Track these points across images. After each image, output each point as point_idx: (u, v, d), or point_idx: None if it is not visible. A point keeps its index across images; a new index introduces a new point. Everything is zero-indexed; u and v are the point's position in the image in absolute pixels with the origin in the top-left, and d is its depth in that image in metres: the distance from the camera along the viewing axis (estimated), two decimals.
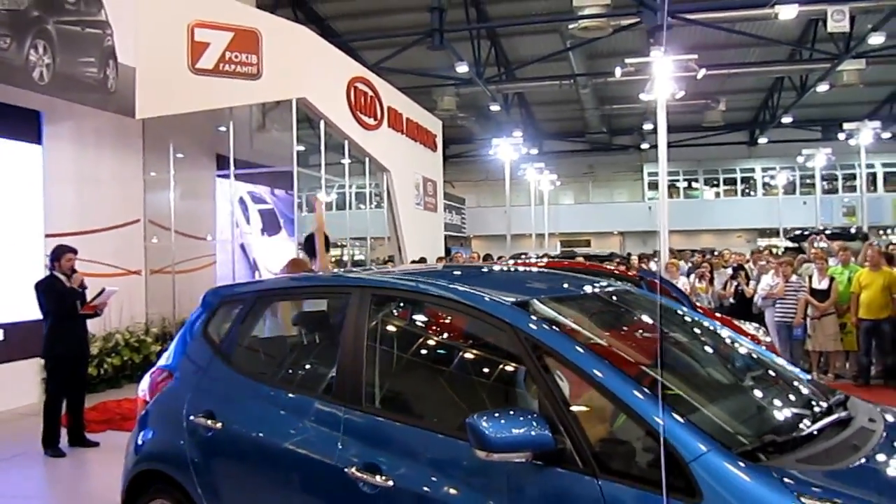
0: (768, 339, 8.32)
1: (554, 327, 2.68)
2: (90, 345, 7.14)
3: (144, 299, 10.59)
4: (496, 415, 2.33)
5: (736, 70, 22.94)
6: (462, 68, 20.86)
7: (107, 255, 9.49)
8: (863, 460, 2.34)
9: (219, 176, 12.37)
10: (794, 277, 9.58)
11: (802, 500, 2.02)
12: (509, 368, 2.88)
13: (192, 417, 3.35)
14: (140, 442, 3.65)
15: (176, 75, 9.95)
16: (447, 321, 3.29)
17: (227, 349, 3.52)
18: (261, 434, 3.14)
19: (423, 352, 3.29)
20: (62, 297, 6.38)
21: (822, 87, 23.56)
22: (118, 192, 10.23)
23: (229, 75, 10.07)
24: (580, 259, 14.33)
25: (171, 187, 11.17)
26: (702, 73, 14.38)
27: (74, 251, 6.60)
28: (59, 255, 6.51)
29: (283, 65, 10.33)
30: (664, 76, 13.60)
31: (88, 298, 6.55)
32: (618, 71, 15.36)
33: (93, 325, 7.53)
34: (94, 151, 9.83)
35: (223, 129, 11.21)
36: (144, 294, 10.62)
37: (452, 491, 2.53)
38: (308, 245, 6.98)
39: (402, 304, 3.36)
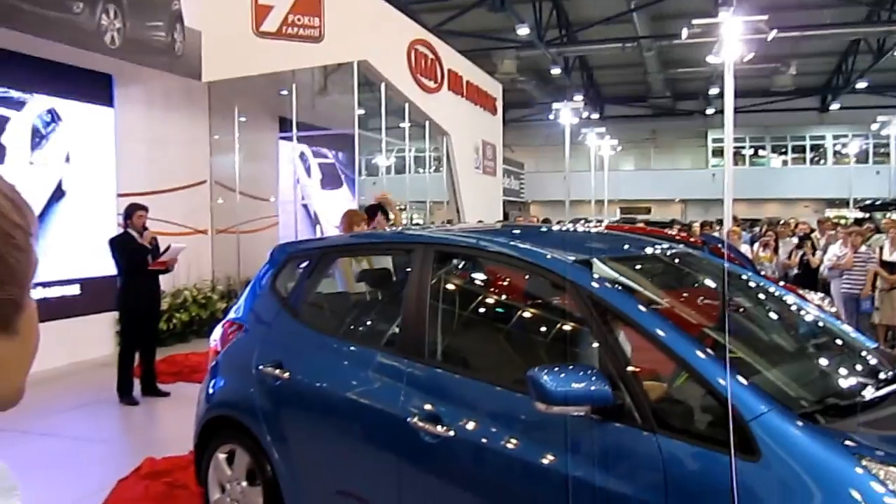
0: (833, 311, 8.12)
1: (616, 286, 2.70)
2: (161, 300, 7.43)
3: (211, 258, 10.92)
4: (556, 368, 2.37)
5: (809, 32, 22.00)
6: (523, 31, 20.57)
7: (175, 215, 9.80)
8: None
9: (281, 138, 12.57)
10: (863, 248, 9.29)
11: (863, 462, 2.02)
12: (569, 326, 2.91)
13: (261, 367, 3.49)
14: (212, 390, 3.82)
15: (240, 38, 10.11)
16: (508, 278, 3.33)
17: (293, 303, 3.64)
18: (326, 384, 3.26)
19: (484, 308, 3.35)
20: (134, 252, 6.63)
21: None
22: (186, 153, 10.52)
23: (292, 38, 10.19)
24: (640, 225, 14.16)
25: (236, 149, 11.42)
26: (772, 34, 13.85)
27: (146, 209, 6.84)
28: (131, 212, 6.76)
29: (345, 27, 10.39)
30: (733, 38, 13.17)
31: (159, 255, 6.81)
32: (684, 32, 14.90)
33: (163, 282, 7.82)
34: (162, 114, 10.11)
35: (285, 92, 11.36)
36: (211, 253, 10.95)
37: (511, 443, 2.59)
38: (370, 210, 6.97)
39: (463, 261, 3.42)
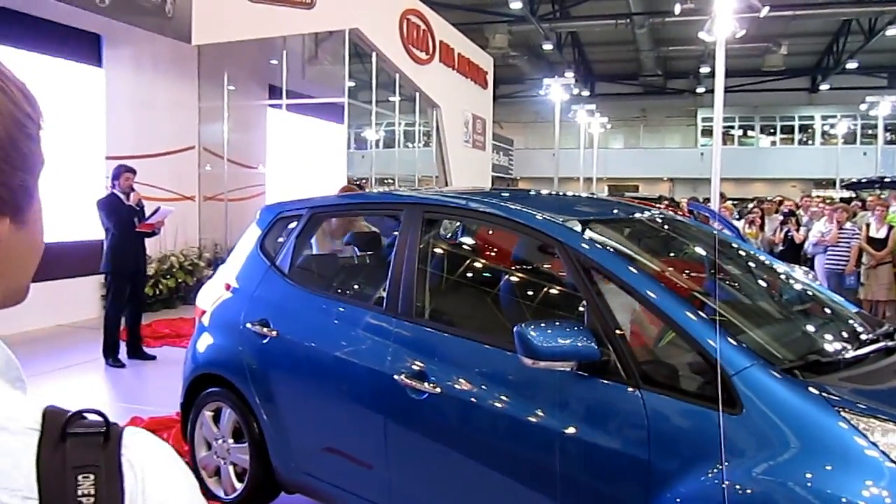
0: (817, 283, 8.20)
1: (606, 247, 2.72)
2: (147, 263, 7.40)
3: (198, 225, 10.87)
4: (543, 324, 2.40)
5: (801, 11, 21.99)
6: (515, 5, 20.44)
7: (163, 180, 9.73)
8: None
9: (270, 106, 12.47)
10: (848, 224, 9.38)
11: (843, 413, 2.06)
12: (557, 286, 2.94)
13: (248, 325, 3.50)
14: (199, 349, 3.83)
15: (232, 2, 9.99)
16: (497, 239, 3.35)
17: (282, 263, 3.64)
18: (313, 342, 3.27)
19: (474, 268, 3.37)
20: (121, 213, 6.59)
21: (893, 31, 22.49)
22: (174, 118, 10.42)
23: (284, 3, 10.07)
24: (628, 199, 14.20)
25: (225, 116, 11.32)
26: (765, 11, 13.85)
27: (133, 171, 6.79)
28: (119, 174, 6.71)
29: None
30: (726, 14, 13.13)
31: (146, 216, 6.77)
32: (677, 8, 14.89)
33: (150, 247, 7.79)
34: (151, 77, 9.99)
35: (275, 61, 11.26)
36: (198, 219, 10.90)
37: (499, 399, 2.62)
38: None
39: (454, 222, 3.42)
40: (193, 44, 10.01)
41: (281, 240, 3.72)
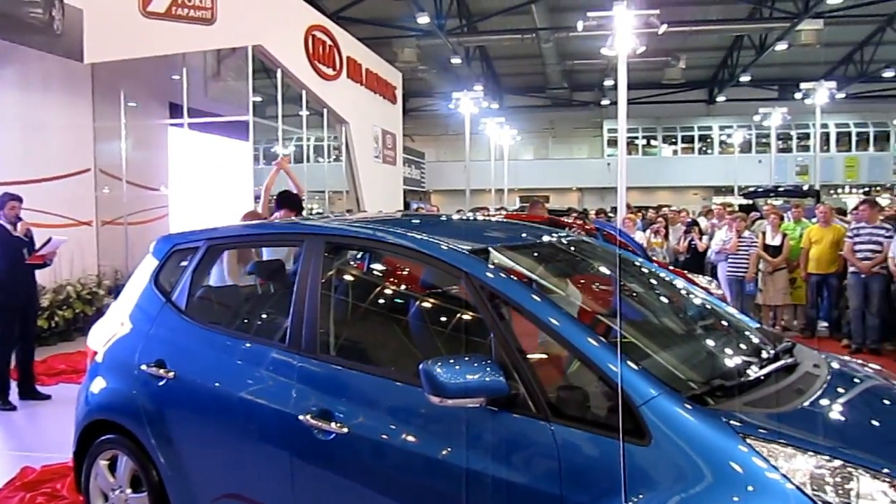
0: (720, 293, 8.48)
1: (511, 276, 2.68)
2: (40, 296, 6.96)
3: (96, 251, 10.36)
4: (450, 360, 2.33)
5: (696, 27, 22.98)
6: (423, 19, 20.52)
7: (56, 205, 9.23)
8: (806, 404, 2.41)
9: (171, 125, 12.04)
10: (746, 233, 9.75)
11: (748, 440, 2.08)
12: (466, 317, 2.88)
13: (143, 367, 3.30)
14: (91, 392, 3.58)
15: (126, 18, 9.61)
16: (403, 269, 3.27)
17: (178, 298, 3.45)
18: (213, 382, 3.10)
19: (379, 300, 3.28)
20: (7, 245, 6.19)
21: (781, 47, 23.77)
22: (67, 139, 9.91)
23: (182, 19, 9.77)
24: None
25: (123, 136, 10.86)
26: (663, 28, 14.35)
27: (19, 199, 6.39)
28: (3, 203, 6.30)
29: (239, 10, 10.03)
30: (626, 31, 13.54)
31: (35, 248, 6.38)
32: (580, 24, 15.22)
33: (43, 278, 7.34)
34: (40, 96, 9.47)
35: (176, 77, 10.88)
36: (96, 246, 10.39)
37: (409, 437, 2.53)
38: (285, 200, 6.45)
39: (357, 252, 3.33)
40: (86, 62, 9.57)
41: (174, 277, 3.53)
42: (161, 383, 3.23)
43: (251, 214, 6.14)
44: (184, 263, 3.55)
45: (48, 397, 6.52)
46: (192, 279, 3.45)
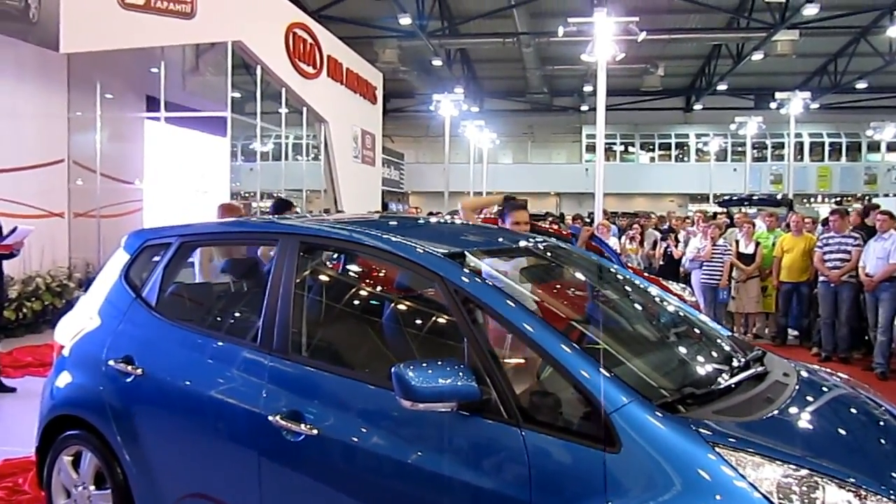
0: (693, 300, 8.54)
1: (485, 280, 2.67)
2: (7, 288, 6.84)
3: (68, 243, 10.20)
4: (423, 365, 2.32)
5: (675, 35, 23.20)
6: (405, 20, 20.48)
7: (27, 196, 9.08)
8: (776, 412, 2.43)
9: (148, 118, 11.90)
10: (720, 241, 9.84)
11: (717, 449, 2.08)
12: (440, 320, 2.86)
13: (110, 362, 3.25)
14: (57, 386, 3.52)
15: (104, 9, 9.48)
16: (379, 272, 3.25)
17: (148, 294, 3.40)
18: (181, 380, 3.06)
19: (353, 302, 3.25)
20: None
21: (757, 56, 24.06)
22: (40, 129, 9.75)
23: (161, 13, 9.66)
24: None
25: (98, 127, 10.71)
26: (642, 36, 14.47)
27: None
28: None
29: (219, 5, 9.94)
30: (606, 37, 13.64)
31: (2, 236, 6.26)
32: (560, 30, 15.30)
33: (11, 268, 7.20)
34: (13, 85, 9.31)
35: (155, 70, 10.76)
36: (68, 238, 10.23)
37: (380, 440, 2.51)
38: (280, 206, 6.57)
39: (332, 253, 3.30)
40: (62, 52, 9.42)
41: (145, 273, 3.47)
42: (128, 380, 3.18)
43: (227, 207, 6.08)
44: (155, 259, 3.50)
45: (13, 390, 6.41)
46: (164, 275, 3.40)
